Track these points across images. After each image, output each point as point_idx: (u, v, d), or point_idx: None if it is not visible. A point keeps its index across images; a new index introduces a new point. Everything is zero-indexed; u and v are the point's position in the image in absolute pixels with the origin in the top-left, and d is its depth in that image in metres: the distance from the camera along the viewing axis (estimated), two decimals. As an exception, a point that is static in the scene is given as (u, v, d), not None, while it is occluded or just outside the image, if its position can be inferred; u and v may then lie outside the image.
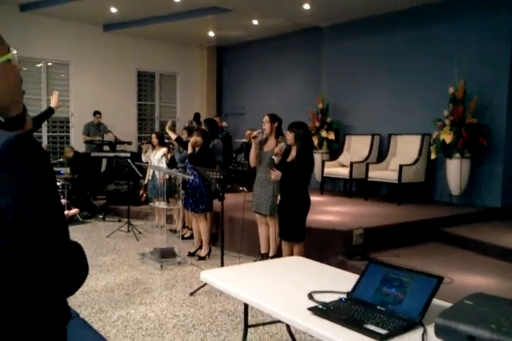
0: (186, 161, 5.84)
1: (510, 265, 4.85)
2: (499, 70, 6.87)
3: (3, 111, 1.14)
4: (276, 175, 4.61)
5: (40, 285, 0.99)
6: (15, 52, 1.15)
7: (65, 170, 8.47)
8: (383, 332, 1.80)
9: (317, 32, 9.57)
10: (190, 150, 5.58)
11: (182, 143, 6.17)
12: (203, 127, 5.81)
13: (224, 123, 9.62)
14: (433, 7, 7.58)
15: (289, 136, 4.50)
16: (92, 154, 9.14)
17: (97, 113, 9.79)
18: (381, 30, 8.39)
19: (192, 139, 5.54)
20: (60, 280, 1.01)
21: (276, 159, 4.62)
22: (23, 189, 0.97)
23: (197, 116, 10.29)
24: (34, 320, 1.06)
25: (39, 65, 9.86)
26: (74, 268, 1.05)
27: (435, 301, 2.01)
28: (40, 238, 0.97)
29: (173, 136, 6.37)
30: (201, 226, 5.64)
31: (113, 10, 9.07)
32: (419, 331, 1.83)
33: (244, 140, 8.86)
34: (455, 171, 6.98)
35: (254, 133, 4.98)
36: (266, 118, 5.04)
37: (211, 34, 10.64)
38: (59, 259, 1.00)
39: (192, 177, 5.63)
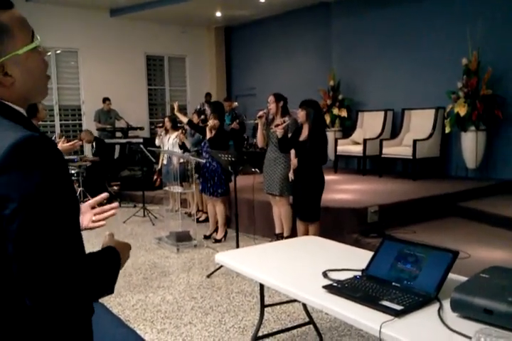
0: (202, 145, 5.81)
1: (528, 237, 4.79)
2: (513, 39, 6.70)
3: (26, 100, 1.11)
4: (294, 163, 4.65)
5: (39, 294, 0.95)
6: (39, 39, 1.10)
7: (78, 157, 8.53)
8: (399, 308, 1.79)
9: (325, 7, 9.40)
10: (208, 134, 5.54)
11: (194, 126, 6.14)
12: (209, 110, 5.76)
13: (235, 104, 9.58)
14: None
15: (300, 114, 4.49)
16: (106, 141, 9.17)
17: (106, 99, 9.79)
18: (391, 3, 8.20)
19: (210, 123, 5.50)
20: (61, 292, 0.97)
21: (278, 133, 4.58)
22: (30, 195, 0.92)
23: (209, 95, 10.35)
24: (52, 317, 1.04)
25: (48, 54, 9.80)
26: (85, 279, 1.00)
27: (451, 276, 1.98)
28: (43, 247, 0.93)
29: (184, 119, 6.33)
30: (218, 209, 5.64)
31: (118, -6, 9.00)
32: (435, 306, 1.81)
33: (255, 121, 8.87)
34: (470, 144, 6.87)
35: (260, 113, 4.97)
36: (271, 98, 5.01)
37: (218, 14, 10.51)
38: (62, 270, 0.95)
39: (204, 161, 5.62)
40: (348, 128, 8.81)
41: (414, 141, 7.02)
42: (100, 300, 3.68)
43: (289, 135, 4.68)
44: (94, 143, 8.55)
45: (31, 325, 1.02)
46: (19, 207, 0.92)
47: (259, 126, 5.11)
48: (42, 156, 0.95)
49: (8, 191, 0.92)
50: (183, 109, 7.69)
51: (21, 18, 1.07)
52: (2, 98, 1.05)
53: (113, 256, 1.14)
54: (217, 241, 5.63)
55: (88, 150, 9.22)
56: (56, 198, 0.96)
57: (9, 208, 0.92)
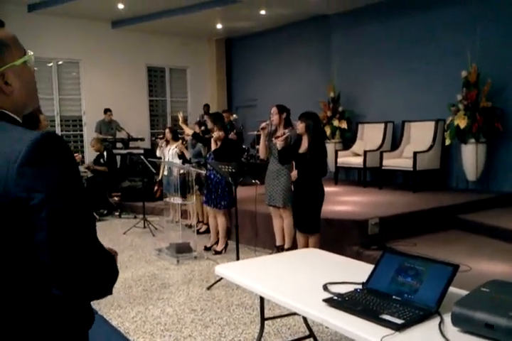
0: (208, 156, 5.80)
1: (529, 250, 4.78)
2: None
3: (22, 109, 1.16)
4: (293, 175, 4.66)
5: (70, 280, 1.00)
6: (31, 53, 1.18)
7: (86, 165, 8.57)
8: (399, 321, 1.79)
9: (325, 20, 9.48)
10: (213, 146, 5.55)
11: (199, 138, 6.13)
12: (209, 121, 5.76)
13: (234, 116, 9.61)
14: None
15: (300, 126, 4.49)
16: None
17: (107, 110, 9.83)
18: (390, 15, 8.28)
19: (215, 134, 5.50)
20: (90, 278, 1.02)
21: (278, 145, 4.60)
22: (55, 186, 0.98)
23: (207, 106, 10.41)
24: (57, 321, 1.07)
25: (50, 65, 9.91)
26: (105, 269, 1.06)
27: (452, 290, 1.98)
28: (73, 232, 0.99)
29: (189, 132, 6.34)
30: (219, 221, 5.63)
31: (120, 6, 9.04)
32: (436, 320, 1.80)
33: (257, 132, 8.85)
34: (471, 157, 6.88)
35: (263, 124, 4.97)
36: (274, 110, 5.01)
37: (219, 26, 10.59)
38: (90, 256, 1.01)
39: (204, 172, 5.62)
40: (348, 140, 8.83)
41: (415, 153, 7.04)
42: (99, 312, 3.67)
43: None
44: (105, 153, 8.58)
45: (36, 324, 1.05)
46: (47, 196, 0.97)
47: (262, 138, 5.11)
48: (62, 151, 1.02)
49: (34, 183, 0.97)
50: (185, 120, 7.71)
51: (14, 35, 1.16)
52: (3, 107, 1.10)
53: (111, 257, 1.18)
54: (217, 252, 5.61)
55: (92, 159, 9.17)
56: (78, 189, 1.03)
57: (37, 198, 0.97)
